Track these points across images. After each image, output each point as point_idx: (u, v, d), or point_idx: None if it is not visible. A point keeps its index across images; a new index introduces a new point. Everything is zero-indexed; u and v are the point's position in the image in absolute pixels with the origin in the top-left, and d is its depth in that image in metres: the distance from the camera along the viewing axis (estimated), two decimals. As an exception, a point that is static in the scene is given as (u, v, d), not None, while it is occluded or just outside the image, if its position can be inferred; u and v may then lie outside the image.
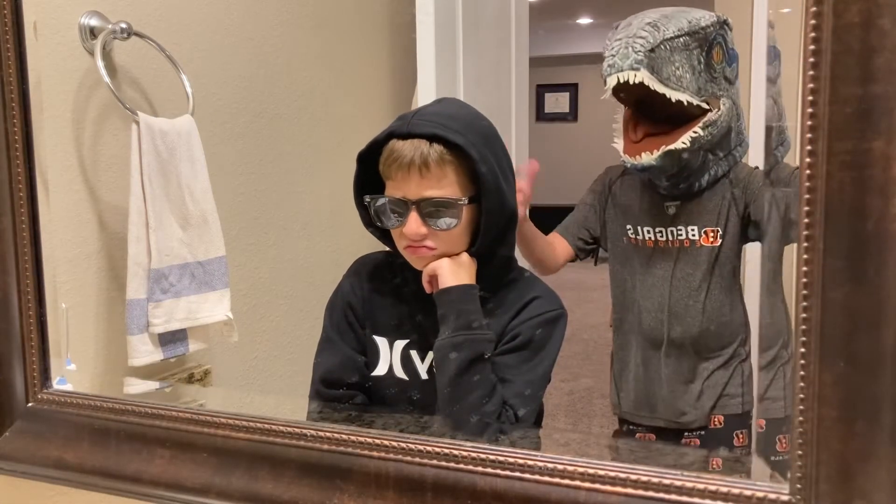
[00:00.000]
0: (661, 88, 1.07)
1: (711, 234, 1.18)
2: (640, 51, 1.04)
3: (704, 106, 1.11)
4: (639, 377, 1.27)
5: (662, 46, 1.06)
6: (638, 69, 1.04)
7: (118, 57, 1.04)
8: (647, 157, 1.11)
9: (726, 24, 1.13)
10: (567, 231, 1.32)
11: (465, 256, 0.87)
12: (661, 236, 1.21)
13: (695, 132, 1.10)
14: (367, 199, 0.87)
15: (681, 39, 1.08)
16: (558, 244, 1.31)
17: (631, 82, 1.05)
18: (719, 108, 1.12)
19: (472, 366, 0.84)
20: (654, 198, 1.22)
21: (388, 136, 0.84)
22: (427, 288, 0.88)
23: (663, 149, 1.10)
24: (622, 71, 1.05)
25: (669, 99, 1.08)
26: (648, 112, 1.14)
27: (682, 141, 1.10)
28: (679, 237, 1.20)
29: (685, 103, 1.09)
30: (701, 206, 1.19)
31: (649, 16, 1.09)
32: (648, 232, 1.22)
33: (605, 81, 1.09)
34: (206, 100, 1.18)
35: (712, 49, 1.11)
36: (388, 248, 0.93)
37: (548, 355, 0.90)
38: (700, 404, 1.22)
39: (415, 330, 0.92)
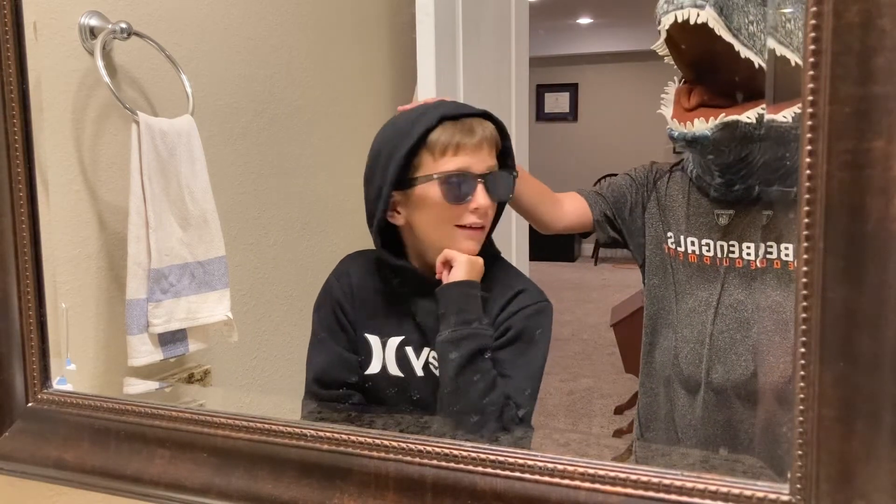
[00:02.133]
0: (728, 37, 0.86)
1: (764, 256, 0.94)
2: None
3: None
4: (669, 422, 1.04)
5: None
6: (703, 6, 0.84)
7: (118, 57, 1.04)
8: (701, 126, 0.88)
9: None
10: (592, 197, 1.08)
11: (479, 258, 0.89)
12: (708, 251, 0.98)
13: (762, 109, 0.88)
14: (436, 175, 0.85)
15: None
16: (570, 203, 1.08)
17: (692, 22, 0.85)
18: None
19: (474, 360, 0.84)
20: (703, 202, 0.99)
21: (440, 118, 0.86)
22: (444, 275, 0.88)
23: (723, 118, 0.88)
24: (682, 8, 0.85)
25: (738, 57, 0.86)
26: (709, 78, 0.93)
27: (748, 115, 0.88)
28: (730, 255, 0.96)
29: (756, 67, 0.87)
30: (762, 218, 0.94)
31: None
32: (692, 244, 0.99)
33: (658, 22, 0.89)
34: (206, 100, 1.18)
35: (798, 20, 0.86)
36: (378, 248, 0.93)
37: (541, 349, 0.90)
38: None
39: (409, 327, 0.92)
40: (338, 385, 0.92)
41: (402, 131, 0.87)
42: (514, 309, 0.89)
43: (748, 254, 0.95)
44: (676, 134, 0.91)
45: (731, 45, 0.86)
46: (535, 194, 1.06)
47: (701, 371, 0.98)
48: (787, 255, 0.93)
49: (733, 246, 0.97)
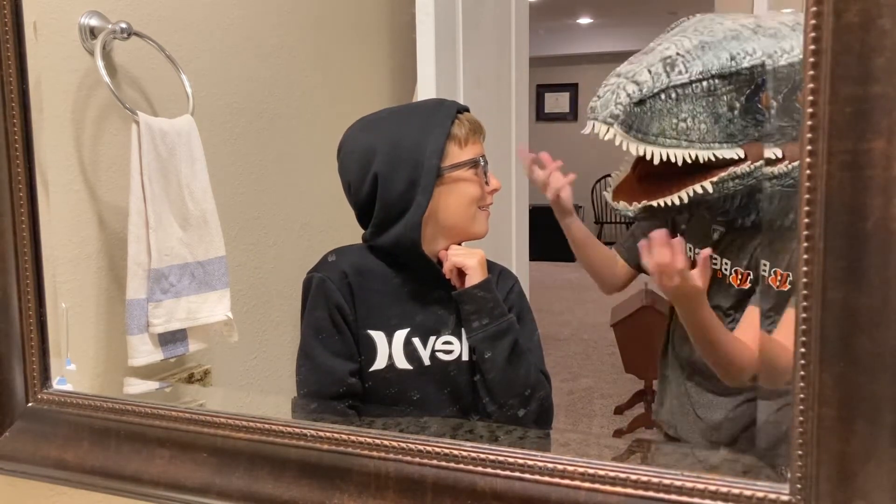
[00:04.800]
0: (637, 147, 0.93)
1: (740, 276, 1.03)
2: (620, 103, 0.92)
3: (731, 156, 0.94)
4: (671, 394, 1.15)
5: (661, 96, 0.93)
6: (611, 124, 0.92)
7: (118, 57, 1.04)
8: (625, 208, 0.98)
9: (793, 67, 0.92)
10: (626, 252, 1.16)
11: (481, 251, 0.95)
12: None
13: (700, 188, 0.94)
14: (470, 161, 0.94)
15: (703, 84, 0.93)
16: (618, 261, 1.17)
17: (601, 137, 0.93)
18: (760, 158, 0.93)
19: (515, 349, 0.92)
20: (705, 216, 1.07)
21: (458, 110, 0.95)
22: (457, 282, 0.94)
23: (644, 203, 0.97)
24: (596, 120, 0.93)
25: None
26: (645, 162, 1.00)
27: (679, 196, 0.95)
28: (713, 265, 1.04)
29: (681, 161, 0.93)
30: (744, 241, 1.02)
31: (683, 42, 0.94)
32: (689, 250, 1.07)
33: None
34: (206, 100, 1.18)
35: (759, 92, 0.93)
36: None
37: (535, 324, 1.00)
38: (720, 436, 1.07)
39: (415, 317, 0.93)
40: (329, 397, 0.92)
41: (425, 125, 0.92)
42: (505, 291, 0.97)
43: (725, 269, 1.04)
44: (613, 206, 1.00)
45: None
46: (598, 253, 1.18)
47: (686, 362, 1.09)
48: (726, 268, 1.03)
49: (715, 259, 1.04)
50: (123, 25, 1.03)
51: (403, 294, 0.93)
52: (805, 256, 0.51)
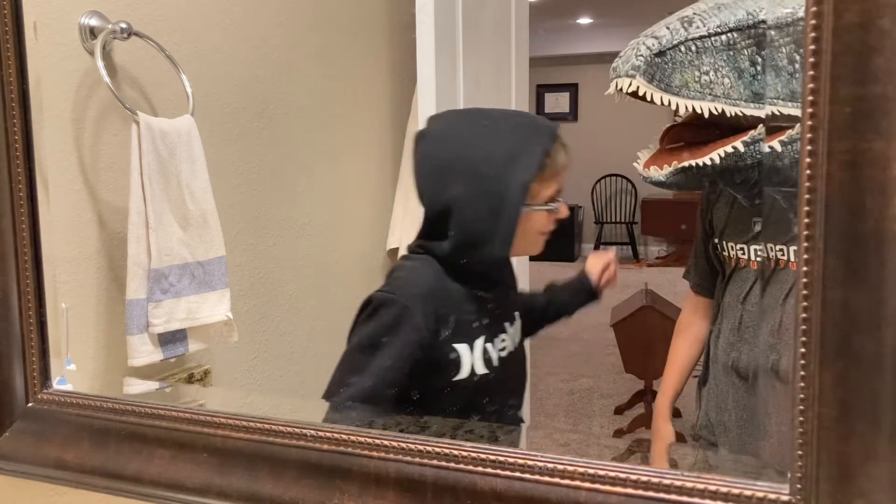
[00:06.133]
0: (665, 98, 0.94)
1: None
2: (641, 55, 0.93)
3: (759, 115, 0.94)
4: (711, 397, 1.15)
5: (680, 48, 0.93)
6: (633, 76, 0.93)
7: (118, 57, 1.04)
8: (656, 172, 0.98)
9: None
10: (701, 288, 1.18)
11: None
12: (743, 254, 1.08)
13: (731, 148, 0.94)
14: (549, 206, 0.95)
15: (721, 38, 0.93)
16: (696, 308, 1.19)
17: (624, 90, 0.94)
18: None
19: None
20: (743, 211, 1.06)
21: (552, 138, 0.94)
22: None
23: (675, 165, 0.97)
24: (619, 77, 0.94)
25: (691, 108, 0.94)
26: (677, 124, 1.02)
27: (710, 157, 0.95)
28: (759, 255, 1.05)
29: (718, 112, 0.93)
30: (783, 223, 0.98)
31: (699, 5, 0.96)
32: (732, 248, 1.08)
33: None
34: (206, 100, 1.18)
35: (782, 48, 0.92)
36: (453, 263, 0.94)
37: None
38: (769, 444, 1.04)
39: (485, 321, 0.94)
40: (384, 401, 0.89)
41: (514, 154, 0.90)
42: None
43: (780, 254, 1.01)
44: (644, 178, 1.00)
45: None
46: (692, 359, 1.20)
47: (730, 358, 1.08)
48: (784, 253, 1.00)
49: (760, 249, 1.04)
50: (123, 25, 1.03)
51: (476, 302, 0.94)
52: (805, 256, 0.51)
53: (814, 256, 0.51)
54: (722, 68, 0.94)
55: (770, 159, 0.93)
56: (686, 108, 0.94)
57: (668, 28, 0.94)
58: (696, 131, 0.99)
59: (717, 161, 0.94)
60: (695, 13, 0.95)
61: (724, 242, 1.09)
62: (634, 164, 1.02)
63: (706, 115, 0.93)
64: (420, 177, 0.94)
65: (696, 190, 1.07)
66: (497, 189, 0.89)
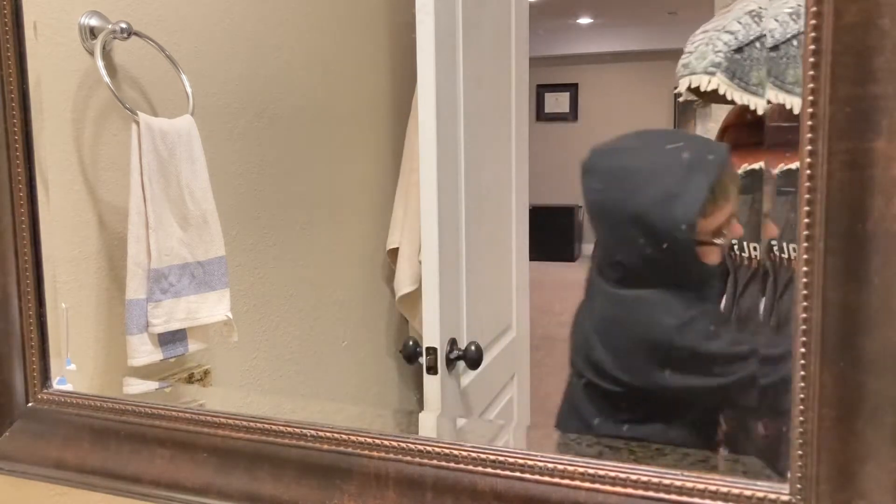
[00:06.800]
0: (743, 98, 0.89)
1: None
2: (720, 51, 0.89)
3: None
4: None
5: (756, 44, 0.89)
6: (714, 73, 0.89)
7: (118, 57, 1.04)
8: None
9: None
10: None
11: None
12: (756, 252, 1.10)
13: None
14: (720, 242, 0.95)
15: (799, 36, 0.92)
16: None
17: (702, 89, 0.89)
18: None
19: None
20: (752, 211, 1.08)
21: (722, 164, 0.93)
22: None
23: (781, 167, 0.91)
24: (695, 74, 0.90)
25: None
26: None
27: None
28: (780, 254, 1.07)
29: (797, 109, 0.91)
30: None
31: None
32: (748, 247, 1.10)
33: (676, 85, 0.94)
34: (206, 100, 1.18)
35: None
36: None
37: None
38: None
39: None
40: None
41: (681, 184, 0.91)
42: None
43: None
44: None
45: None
46: None
47: None
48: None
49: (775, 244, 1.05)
50: (123, 25, 1.03)
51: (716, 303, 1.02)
52: (805, 256, 0.51)
53: (814, 256, 0.51)
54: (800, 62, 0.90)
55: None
56: (758, 110, 0.89)
57: (739, 23, 0.89)
58: (747, 132, 0.96)
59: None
60: (760, 7, 0.90)
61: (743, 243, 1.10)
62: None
63: (796, 111, 0.88)
64: (588, 194, 0.99)
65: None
66: (663, 225, 0.91)
